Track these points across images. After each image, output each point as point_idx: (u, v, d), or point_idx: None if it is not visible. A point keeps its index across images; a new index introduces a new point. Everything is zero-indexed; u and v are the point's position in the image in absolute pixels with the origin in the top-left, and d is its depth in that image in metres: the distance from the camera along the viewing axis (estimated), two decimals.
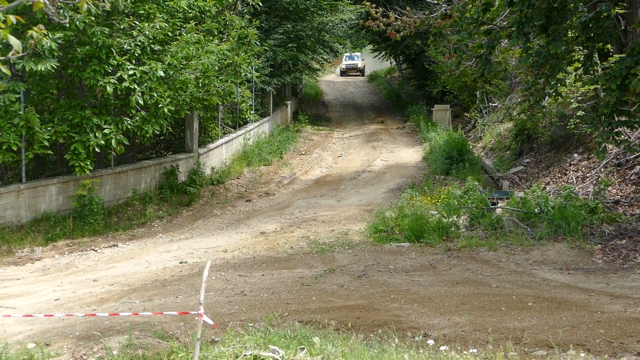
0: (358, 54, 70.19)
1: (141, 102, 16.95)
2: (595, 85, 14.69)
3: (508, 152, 22.40)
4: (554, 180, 17.69)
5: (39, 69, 15.16)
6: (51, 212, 16.62)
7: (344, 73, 69.49)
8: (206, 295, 6.48)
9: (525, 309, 9.18)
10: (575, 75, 14.19)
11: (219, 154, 23.90)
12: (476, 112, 27.87)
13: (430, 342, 7.30)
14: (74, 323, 9.37)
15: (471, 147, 24.87)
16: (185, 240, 15.85)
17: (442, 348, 6.41)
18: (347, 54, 69.57)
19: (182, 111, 18.84)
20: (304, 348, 6.95)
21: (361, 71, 68.81)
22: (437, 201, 16.57)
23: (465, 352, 6.38)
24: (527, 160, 20.48)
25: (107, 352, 7.64)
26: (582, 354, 7.02)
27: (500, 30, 13.66)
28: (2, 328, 8.95)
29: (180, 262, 13.43)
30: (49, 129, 16.02)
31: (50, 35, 15.21)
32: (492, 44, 13.75)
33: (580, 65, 13.57)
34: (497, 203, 15.75)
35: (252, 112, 26.51)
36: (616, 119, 12.68)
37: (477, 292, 10.24)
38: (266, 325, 7.71)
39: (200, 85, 18.69)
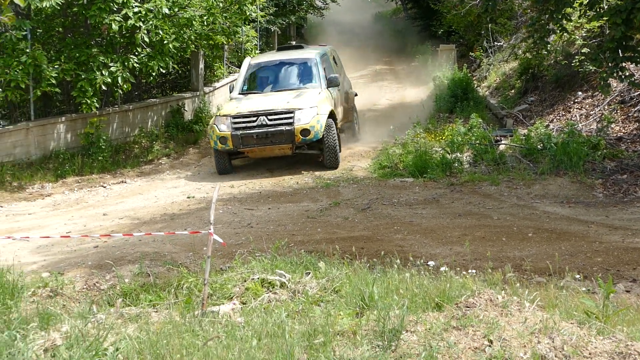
0: (315, 53, 18.16)
1: (147, 39, 17.03)
2: (601, 22, 14.66)
3: (513, 91, 22.39)
4: (558, 118, 17.76)
5: (44, 6, 15.19)
6: (60, 149, 16.79)
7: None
8: (214, 227, 6.69)
9: (525, 240, 9.38)
10: (580, 10, 14.15)
11: (225, 92, 23.92)
12: (481, 51, 27.75)
13: (431, 263, 7.54)
14: (86, 254, 9.63)
15: (476, 86, 24.83)
16: (193, 177, 16.07)
17: (442, 269, 6.63)
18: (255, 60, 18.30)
19: (187, 49, 18.90)
20: (309, 272, 7.18)
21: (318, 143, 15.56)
22: (441, 138, 16.67)
23: (464, 273, 6.61)
24: (532, 98, 20.49)
25: (120, 279, 7.86)
26: (579, 280, 7.24)
27: None
28: (17, 259, 9.19)
29: (188, 197, 13.69)
30: (56, 67, 16.10)
31: None
32: None
33: (585, 0, 13.55)
34: (501, 140, 15.86)
35: (257, 51, 26.47)
36: (621, 54, 12.71)
37: (479, 224, 10.44)
38: (273, 253, 7.92)
39: (205, 23, 18.71)
